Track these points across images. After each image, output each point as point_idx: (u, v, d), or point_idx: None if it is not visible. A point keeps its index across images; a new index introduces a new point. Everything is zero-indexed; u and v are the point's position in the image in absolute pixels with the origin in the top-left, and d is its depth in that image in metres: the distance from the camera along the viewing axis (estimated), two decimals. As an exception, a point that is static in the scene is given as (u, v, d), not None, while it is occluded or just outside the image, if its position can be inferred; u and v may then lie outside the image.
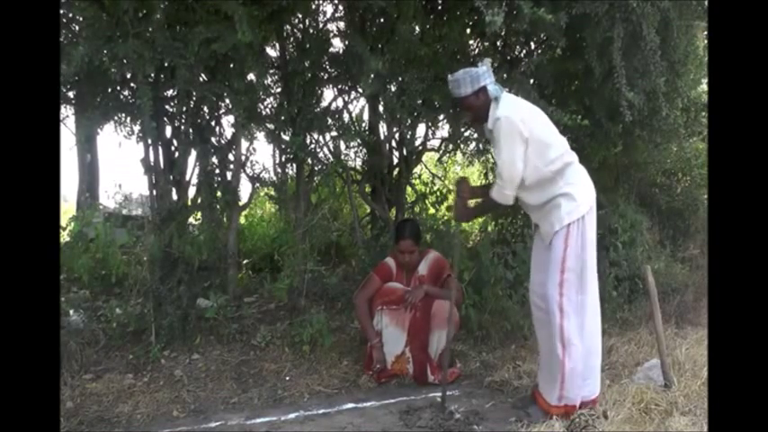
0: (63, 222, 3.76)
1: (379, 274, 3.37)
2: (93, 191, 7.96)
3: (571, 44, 3.68)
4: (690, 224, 5.53)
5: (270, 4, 3.52)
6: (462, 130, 5.25)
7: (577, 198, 2.56)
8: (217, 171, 4.17)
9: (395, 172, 5.28)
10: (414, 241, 3.28)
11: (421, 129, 5.43)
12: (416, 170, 5.87)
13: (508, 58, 4.40)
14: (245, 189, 4.40)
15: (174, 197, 4.13)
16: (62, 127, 5.13)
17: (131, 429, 2.67)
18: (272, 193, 5.10)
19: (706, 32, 4.33)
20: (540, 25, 3.07)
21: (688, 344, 3.48)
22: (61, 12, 3.25)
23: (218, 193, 4.12)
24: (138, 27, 3.21)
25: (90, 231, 3.83)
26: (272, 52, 4.46)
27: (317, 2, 4.37)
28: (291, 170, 4.76)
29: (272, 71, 4.40)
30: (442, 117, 4.96)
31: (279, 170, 4.78)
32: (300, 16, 4.33)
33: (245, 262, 5.11)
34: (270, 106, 4.52)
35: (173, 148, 4.14)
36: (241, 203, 4.39)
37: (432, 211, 5.62)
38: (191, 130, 4.09)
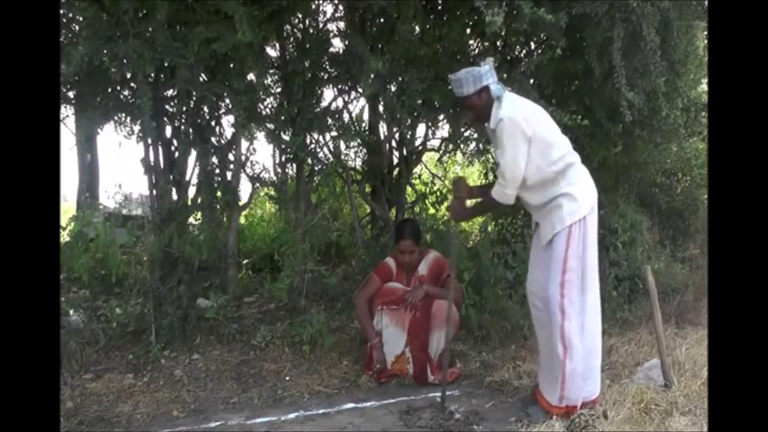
0: (63, 222, 3.76)
1: (379, 274, 3.37)
2: (93, 191, 7.96)
3: (571, 44, 3.68)
4: (690, 224, 5.53)
5: (270, 4, 3.52)
6: (462, 130, 5.25)
7: (579, 199, 2.56)
8: (217, 171, 4.17)
9: (395, 172, 5.28)
10: (414, 241, 3.28)
11: (421, 129, 5.44)
12: (416, 170, 5.87)
13: (508, 58, 4.40)
14: (245, 189, 4.42)
15: (174, 197, 4.13)
16: (62, 127, 5.14)
17: (131, 429, 2.67)
18: (272, 193, 5.10)
19: (706, 32, 4.33)
20: (540, 25, 3.06)
21: (688, 344, 3.48)
22: (61, 12, 3.25)
23: (218, 193, 4.12)
24: (138, 27, 3.21)
25: (90, 231, 3.83)
26: (272, 52, 4.46)
27: (316, 2, 4.37)
28: (291, 170, 4.76)
29: (272, 71, 4.40)
30: (442, 117, 4.96)
31: (279, 170, 4.79)
32: (300, 16, 4.33)
33: (245, 262, 5.11)
34: (270, 106, 4.52)
35: (173, 148, 4.14)
36: (241, 203, 4.39)
37: (432, 211, 5.63)
38: (191, 130, 4.09)
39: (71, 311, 3.78)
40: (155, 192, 4.02)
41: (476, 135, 5.16)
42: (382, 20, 4.22)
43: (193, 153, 4.12)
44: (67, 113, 5.06)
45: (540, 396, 2.70)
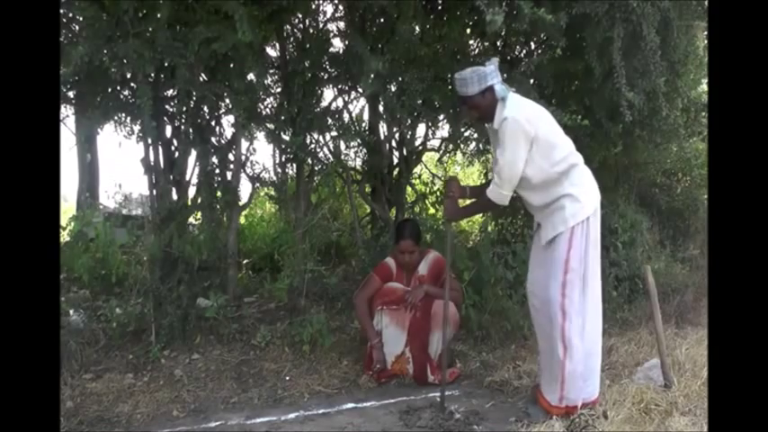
0: (63, 222, 3.77)
1: (379, 274, 3.37)
2: (93, 191, 7.95)
3: (571, 44, 3.68)
4: (690, 224, 5.54)
5: (270, 4, 3.52)
6: (462, 130, 5.25)
7: (582, 200, 2.55)
8: (217, 171, 4.17)
9: (395, 172, 5.28)
10: (414, 241, 3.28)
11: (421, 129, 5.45)
12: (416, 170, 5.88)
13: (508, 58, 4.40)
14: (245, 189, 4.41)
15: (174, 197, 4.13)
16: (62, 127, 5.14)
17: (131, 429, 2.67)
18: (272, 193, 5.10)
19: (706, 32, 4.33)
20: (540, 25, 3.07)
21: (688, 344, 3.47)
22: (61, 12, 3.25)
23: (218, 193, 4.12)
24: (139, 27, 3.21)
25: (90, 231, 3.83)
26: (272, 52, 4.46)
27: (317, 2, 4.38)
28: (291, 170, 4.76)
29: (272, 71, 4.40)
30: (442, 117, 4.97)
31: (279, 170, 4.78)
32: (300, 16, 4.33)
33: (245, 262, 5.11)
34: (270, 106, 4.52)
35: (173, 148, 4.14)
36: (241, 203, 4.39)
37: (432, 211, 5.63)
38: (191, 130, 4.09)
39: (71, 311, 3.78)
40: (155, 192, 4.02)
41: (476, 135, 5.17)
42: (382, 20, 4.22)
43: (193, 153, 4.12)
44: (67, 113, 5.06)
45: (541, 396, 2.70)
